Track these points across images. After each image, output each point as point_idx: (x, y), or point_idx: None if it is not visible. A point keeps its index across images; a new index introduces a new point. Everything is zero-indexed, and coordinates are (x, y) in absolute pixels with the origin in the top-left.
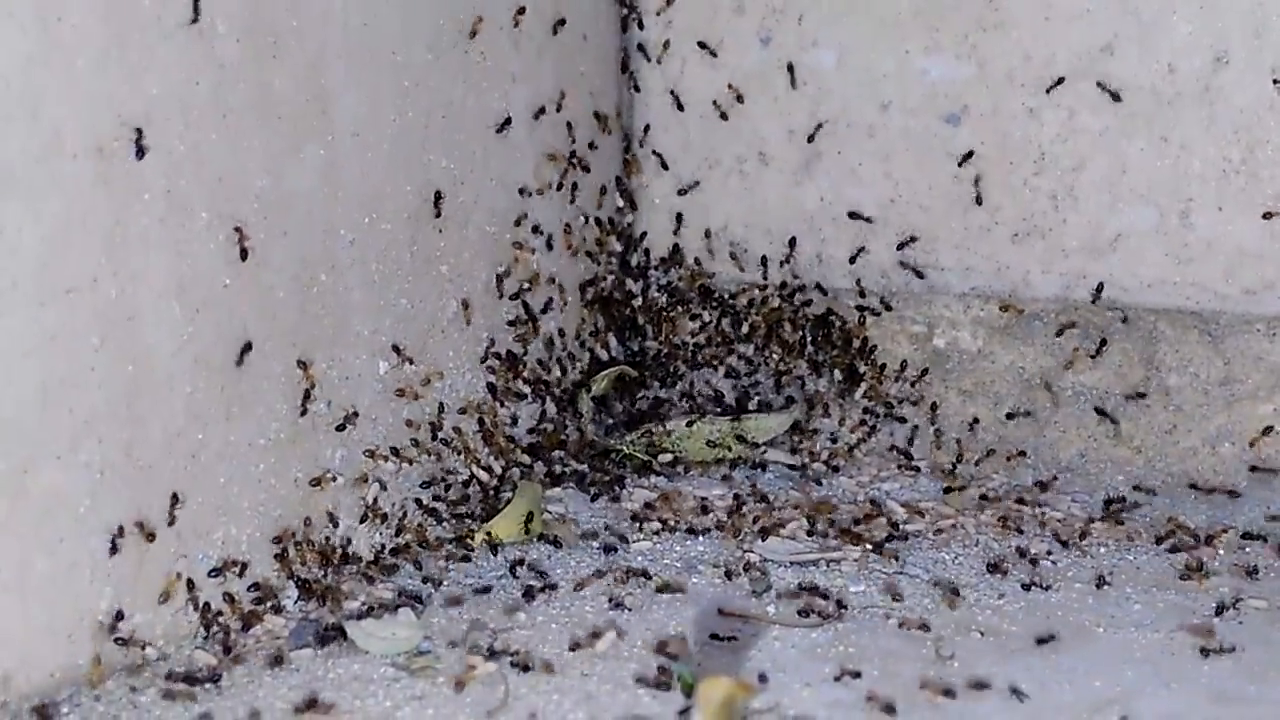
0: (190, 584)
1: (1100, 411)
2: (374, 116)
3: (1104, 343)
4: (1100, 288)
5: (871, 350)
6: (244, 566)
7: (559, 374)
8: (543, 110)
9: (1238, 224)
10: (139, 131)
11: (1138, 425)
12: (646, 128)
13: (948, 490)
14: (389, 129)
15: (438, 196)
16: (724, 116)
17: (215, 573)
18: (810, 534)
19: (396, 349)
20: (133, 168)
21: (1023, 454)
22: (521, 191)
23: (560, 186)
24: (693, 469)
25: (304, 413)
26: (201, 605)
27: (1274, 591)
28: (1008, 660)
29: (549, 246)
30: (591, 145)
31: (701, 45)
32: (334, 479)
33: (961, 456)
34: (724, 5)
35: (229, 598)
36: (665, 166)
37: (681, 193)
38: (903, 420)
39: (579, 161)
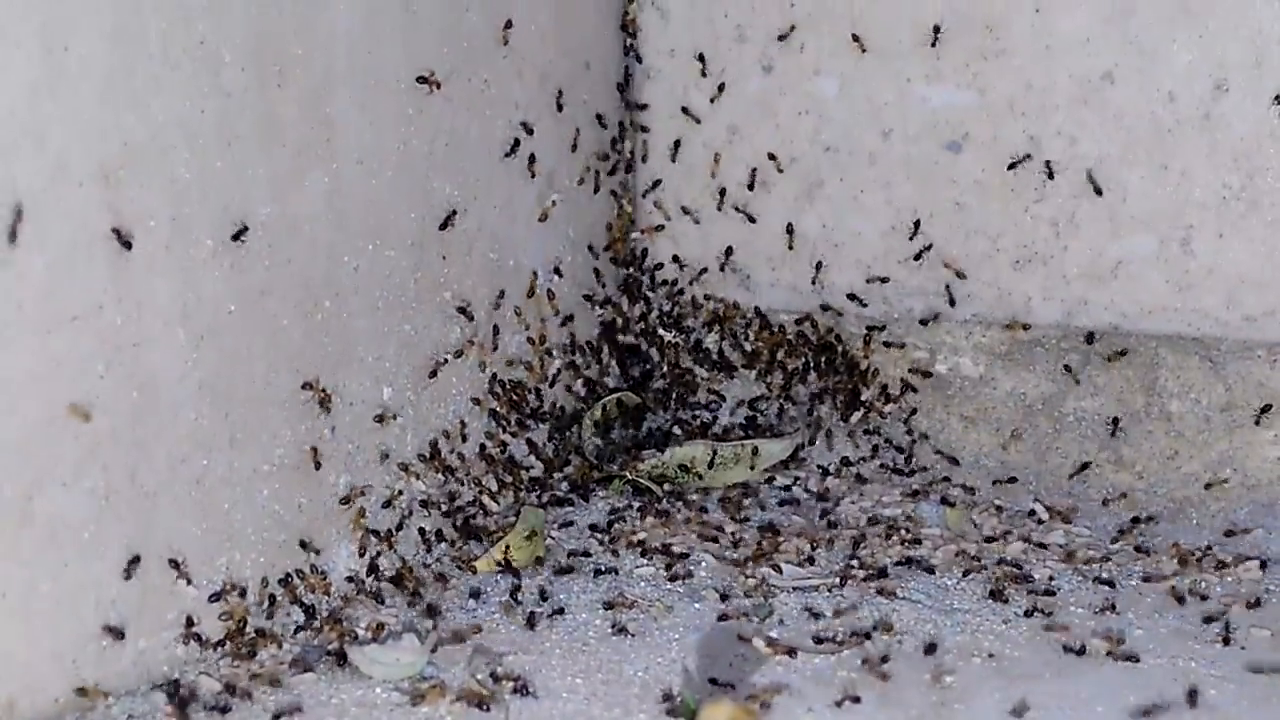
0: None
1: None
2: (378, 143)
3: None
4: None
5: (874, 376)
6: (247, 592)
7: (562, 400)
8: (546, 137)
9: (1238, 251)
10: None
11: (1139, 451)
12: (647, 155)
13: (949, 515)
14: (393, 156)
15: (448, 217)
16: (726, 144)
17: (217, 597)
18: (813, 559)
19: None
20: (137, 195)
21: (1025, 481)
22: (524, 218)
23: (567, 205)
24: (695, 494)
25: (317, 458)
26: (205, 631)
27: (1277, 618)
28: (1010, 685)
29: (552, 272)
30: (594, 171)
31: (703, 73)
32: (339, 504)
33: (963, 482)
34: (725, 34)
35: (233, 623)
36: (667, 195)
37: (684, 218)
38: (901, 449)
39: (581, 186)
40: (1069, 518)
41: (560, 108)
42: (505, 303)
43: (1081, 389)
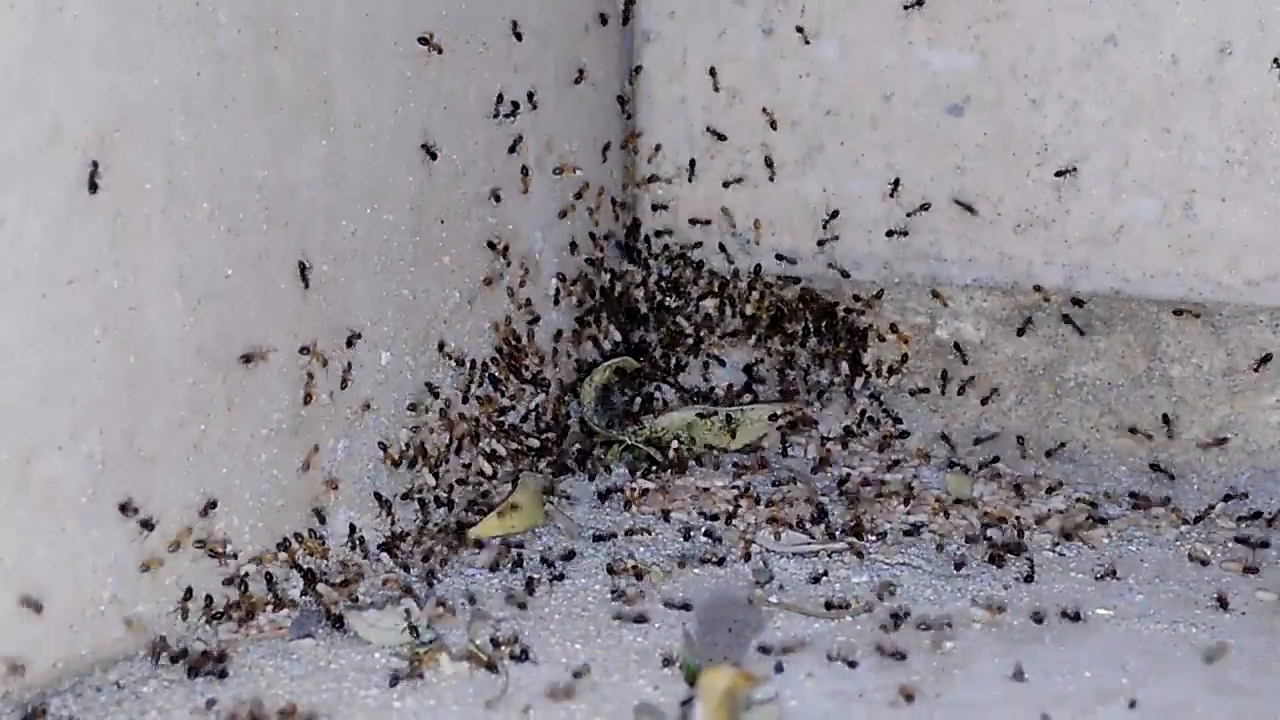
0: (193, 575)
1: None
2: (376, 107)
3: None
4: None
5: (873, 341)
6: (246, 556)
7: (561, 365)
8: (544, 99)
9: (1241, 215)
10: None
11: (1141, 416)
12: (647, 118)
13: (950, 480)
14: (390, 119)
15: (429, 150)
16: (726, 107)
17: (211, 553)
18: (812, 524)
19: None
20: (134, 157)
21: (1026, 446)
22: (523, 181)
23: (561, 174)
24: (694, 459)
25: (308, 400)
26: (204, 595)
27: (1277, 583)
28: (1010, 651)
29: (551, 236)
30: (592, 135)
31: (703, 36)
32: (337, 470)
33: (962, 448)
34: None
35: (231, 588)
36: (662, 155)
37: (684, 183)
38: (901, 416)
39: (579, 150)
40: (1070, 483)
41: (559, 71)
42: (503, 268)
43: (1083, 354)
